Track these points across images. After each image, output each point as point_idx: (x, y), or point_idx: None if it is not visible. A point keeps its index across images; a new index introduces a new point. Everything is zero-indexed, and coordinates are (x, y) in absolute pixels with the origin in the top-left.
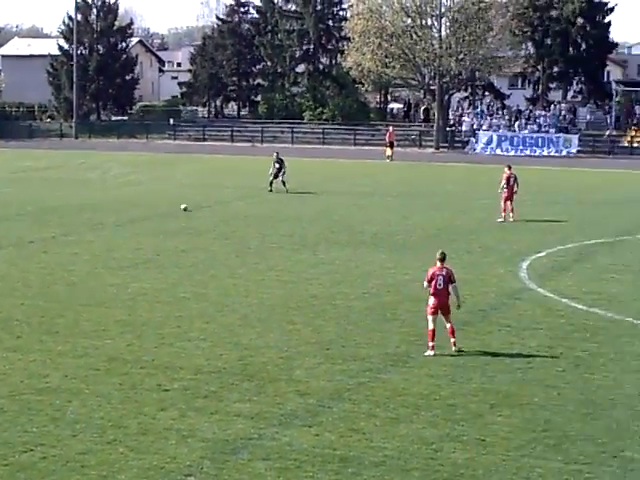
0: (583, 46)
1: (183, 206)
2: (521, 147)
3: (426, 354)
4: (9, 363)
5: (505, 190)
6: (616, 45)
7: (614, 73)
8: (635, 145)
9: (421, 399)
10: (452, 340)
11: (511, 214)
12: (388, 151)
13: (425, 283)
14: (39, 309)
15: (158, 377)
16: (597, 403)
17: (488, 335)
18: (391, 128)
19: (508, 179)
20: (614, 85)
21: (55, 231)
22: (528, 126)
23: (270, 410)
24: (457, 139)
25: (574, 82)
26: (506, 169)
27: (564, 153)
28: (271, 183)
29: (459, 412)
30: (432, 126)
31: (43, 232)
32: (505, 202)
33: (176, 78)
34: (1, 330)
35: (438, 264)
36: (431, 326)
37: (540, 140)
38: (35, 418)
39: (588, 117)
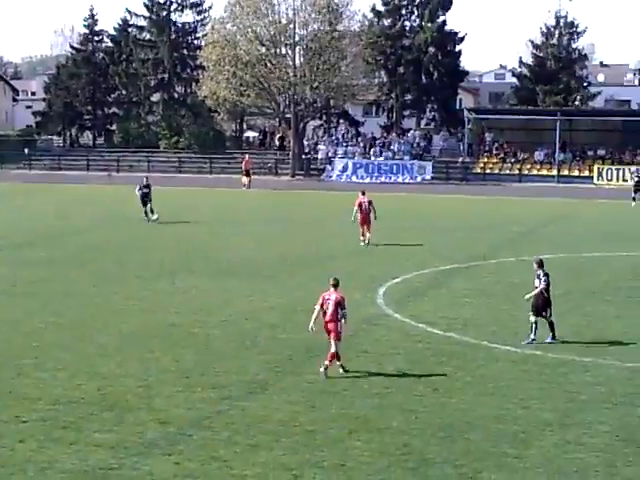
0: (435, 74)
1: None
2: (376, 174)
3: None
4: None
5: (359, 216)
6: (467, 73)
7: (466, 101)
8: (487, 171)
9: (281, 426)
10: (326, 363)
11: (366, 238)
12: (244, 179)
13: (317, 307)
14: None
15: (16, 408)
16: (454, 426)
17: (347, 361)
18: (247, 156)
19: (360, 205)
20: (466, 113)
21: None
22: (383, 153)
23: (130, 439)
24: (313, 167)
25: (427, 110)
26: (360, 195)
27: (419, 180)
28: (146, 213)
29: (319, 438)
30: (288, 154)
31: None
32: (362, 226)
33: (30, 107)
34: None
35: (331, 289)
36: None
37: (395, 167)
38: None
39: (441, 144)
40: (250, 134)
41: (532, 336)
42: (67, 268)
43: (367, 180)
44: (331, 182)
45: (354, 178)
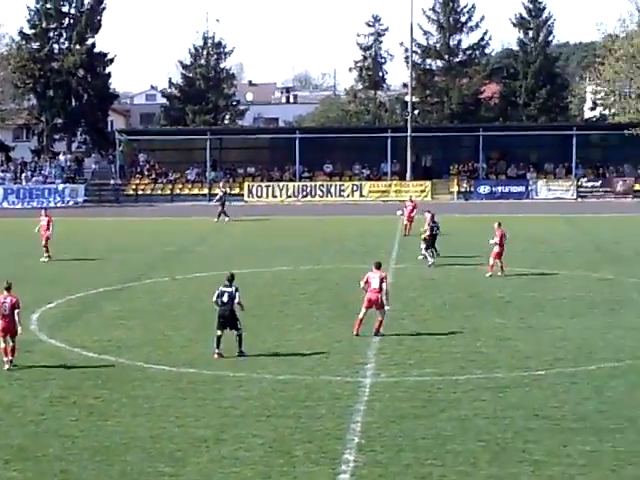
0: (85, 97)
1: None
2: (28, 199)
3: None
4: None
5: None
6: (117, 96)
7: (117, 123)
8: (140, 192)
9: None
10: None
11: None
12: None
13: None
14: None
15: None
16: (111, 448)
17: (0, 390)
18: None
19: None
20: (117, 135)
21: None
22: (34, 178)
23: None
24: None
25: (78, 133)
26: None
27: (71, 203)
28: None
29: None
30: None
31: None
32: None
33: None
34: None
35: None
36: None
37: (47, 191)
38: None
39: (94, 167)
40: None
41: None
42: None
43: (19, 205)
44: None
45: (5, 204)
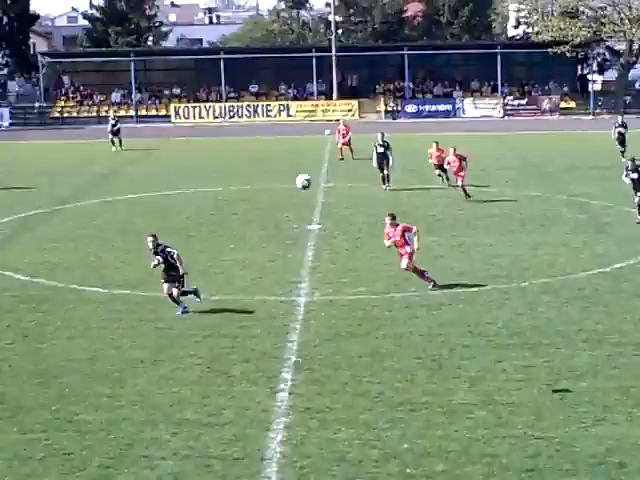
0: (5, 19)
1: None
2: None
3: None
4: None
5: None
6: (38, 17)
7: (39, 45)
8: (65, 115)
9: None
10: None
11: None
12: None
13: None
14: None
15: None
16: (48, 371)
17: None
18: None
19: None
20: (40, 57)
21: None
22: None
23: None
24: None
25: (0, 55)
26: None
27: None
28: None
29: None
30: None
31: None
32: None
33: None
34: None
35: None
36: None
37: None
38: None
39: (17, 89)
40: None
41: (182, 305)
42: None
43: None
44: None
45: None
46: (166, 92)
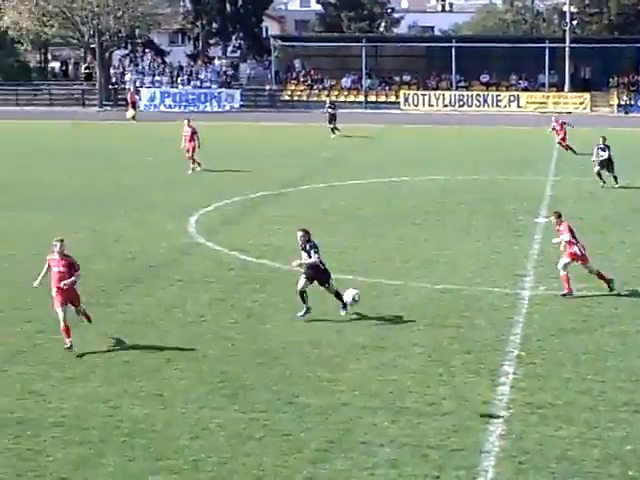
0: (240, 2)
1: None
2: (184, 103)
3: None
4: None
5: (186, 145)
6: (272, 1)
7: (272, 29)
8: (295, 99)
9: (97, 358)
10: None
11: (196, 166)
12: (130, 112)
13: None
14: None
15: None
16: (270, 352)
17: (160, 291)
18: (132, 88)
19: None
20: (272, 40)
21: None
22: (191, 82)
23: None
24: (120, 97)
25: (233, 38)
26: (185, 124)
27: (227, 108)
28: None
29: (135, 368)
30: (94, 84)
31: None
32: (191, 154)
33: None
34: None
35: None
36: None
37: (203, 96)
38: None
39: (249, 72)
40: (55, 64)
41: (306, 306)
42: None
43: (175, 109)
44: (139, 112)
45: (162, 108)
46: (396, 79)
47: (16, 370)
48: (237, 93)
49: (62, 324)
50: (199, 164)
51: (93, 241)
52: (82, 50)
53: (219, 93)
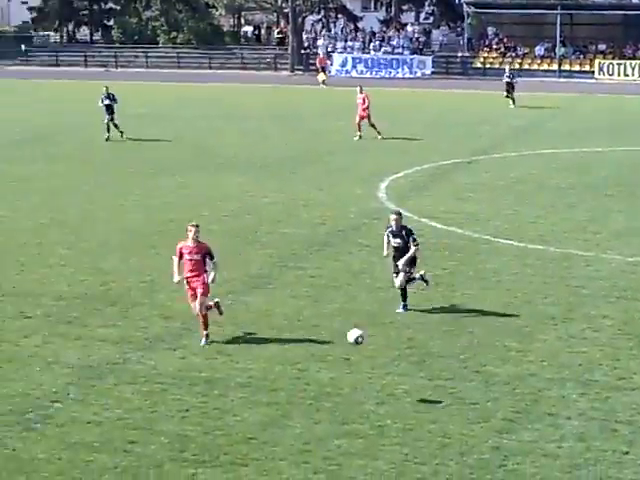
0: None
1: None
2: (376, 69)
3: None
4: None
5: (362, 110)
6: None
7: None
8: (488, 66)
9: (285, 320)
10: None
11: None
12: (321, 76)
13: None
14: None
15: (20, 304)
16: (458, 320)
17: (349, 255)
18: (321, 53)
19: (364, 100)
20: (465, 7)
21: None
22: (382, 48)
23: (134, 334)
24: (312, 62)
25: (426, 4)
26: (358, 92)
27: (418, 74)
28: (108, 128)
29: (323, 332)
30: (286, 49)
31: None
32: (360, 122)
33: (26, 3)
34: None
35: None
36: None
37: (394, 62)
38: None
39: (441, 39)
40: (248, 29)
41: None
42: (66, 165)
43: (367, 75)
44: (330, 77)
45: (354, 73)
46: (591, 47)
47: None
48: (429, 60)
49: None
50: (379, 133)
51: (283, 205)
52: (275, 15)
53: (411, 59)
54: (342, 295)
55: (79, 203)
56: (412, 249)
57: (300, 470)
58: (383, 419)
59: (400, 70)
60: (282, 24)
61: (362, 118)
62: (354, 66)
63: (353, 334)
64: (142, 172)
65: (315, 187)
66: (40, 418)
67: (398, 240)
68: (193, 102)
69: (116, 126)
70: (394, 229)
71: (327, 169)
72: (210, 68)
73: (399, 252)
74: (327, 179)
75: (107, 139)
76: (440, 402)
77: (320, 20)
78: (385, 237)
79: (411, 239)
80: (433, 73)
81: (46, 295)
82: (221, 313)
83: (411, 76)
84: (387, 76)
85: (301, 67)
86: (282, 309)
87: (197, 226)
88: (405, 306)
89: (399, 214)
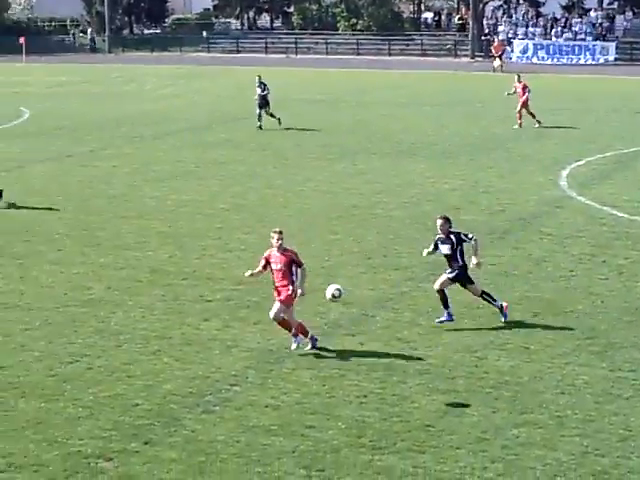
0: None
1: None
2: (557, 55)
3: None
4: (52, 276)
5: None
6: None
7: None
8: None
9: (464, 307)
10: None
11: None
12: (497, 62)
13: None
14: (80, 222)
15: (200, 288)
16: None
17: (530, 244)
18: (496, 39)
19: (524, 89)
20: None
21: (93, 145)
22: (564, 34)
23: (313, 320)
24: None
25: None
26: (516, 80)
27: (601, 61)
28: (260, 117)
29: (502, 320)
30: (467, 35)
31: (81, 146)
32: (520, 110)
33: None
34: (43, 243)
35: None
36: None
37: (577, 48)
38: (80, 330)
39: (625, 24)
40: (428, 15)
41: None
42: (247, 150)
43: (548, 62)
44: (511, 64)
45: (534, 60)
46: None
47: (384, 317)
48: (612, 46)
49: (294, 327)
50: (538, 121)
51: (462, 191)
52: (455, 1)
53: (593, 46)
54: (522, 283)
55: (259, 188)
56: (472, 243)
57: (477, 459)
58: (563, 409)
59: (582, 56)
60: (462, 10)
61: (521, 105)
62: (535, 52)
63: (330, 290)
64: (322, 158)
65: (495, 174)
66: (219, 401)
67: (447, 247)
68: (372, 89)
69: (272, 115)
70: (441, 235)
71: (508, 156)
72: (389, 55)
73: (449, 260)
74: (508, 166)
75: (260, 127)
76: (622, 394)
77: (501, 6)
78: (432, 245)
79: (463, 237)
80: (616, 60)
81: (226, 279)
82: (313, 347)
83: (594, 63)
84: (569, 63)
85: (482, 54)
86: (462, 296)
87: (281, 232)
88: (449, 314)
89: (445, 218)
